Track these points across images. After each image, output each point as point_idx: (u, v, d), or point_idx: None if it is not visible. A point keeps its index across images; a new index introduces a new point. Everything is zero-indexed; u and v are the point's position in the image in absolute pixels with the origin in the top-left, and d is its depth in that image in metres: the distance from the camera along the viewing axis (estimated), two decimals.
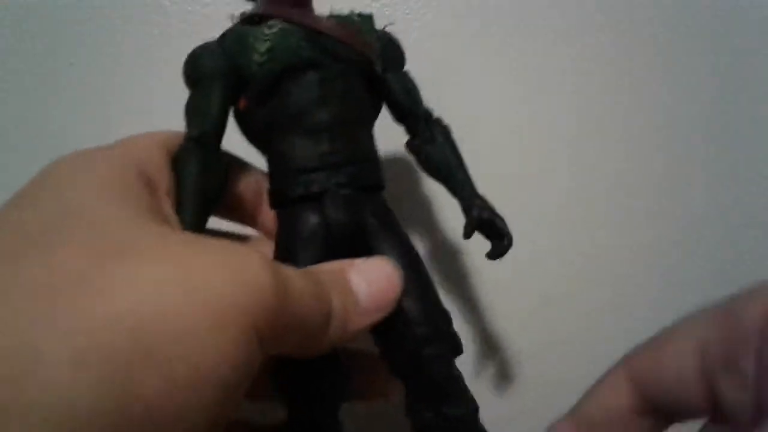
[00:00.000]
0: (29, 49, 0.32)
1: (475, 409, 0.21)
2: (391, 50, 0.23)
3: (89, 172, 0.17)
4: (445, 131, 0.23)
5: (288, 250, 0.21)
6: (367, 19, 0.23)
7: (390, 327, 0.20)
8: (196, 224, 0.20)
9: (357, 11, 0.22)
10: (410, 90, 0.23)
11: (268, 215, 0.23)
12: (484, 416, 0.21)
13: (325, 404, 0.21)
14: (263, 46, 0.21)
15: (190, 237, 0.17)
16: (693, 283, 0.33)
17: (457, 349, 0.21)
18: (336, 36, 0.21)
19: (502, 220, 0.22)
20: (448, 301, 0.27)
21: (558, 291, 0.33)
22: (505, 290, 0.32)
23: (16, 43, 0.31)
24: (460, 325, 0.31)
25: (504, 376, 0.33)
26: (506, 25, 0.33)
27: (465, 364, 0.26)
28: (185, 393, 0.13)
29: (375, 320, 0.19)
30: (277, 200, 0.22)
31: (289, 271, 0.17)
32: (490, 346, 0.32)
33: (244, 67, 0.21)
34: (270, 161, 0.22)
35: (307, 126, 0.21)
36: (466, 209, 0.22)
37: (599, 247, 0.33)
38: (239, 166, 0.24)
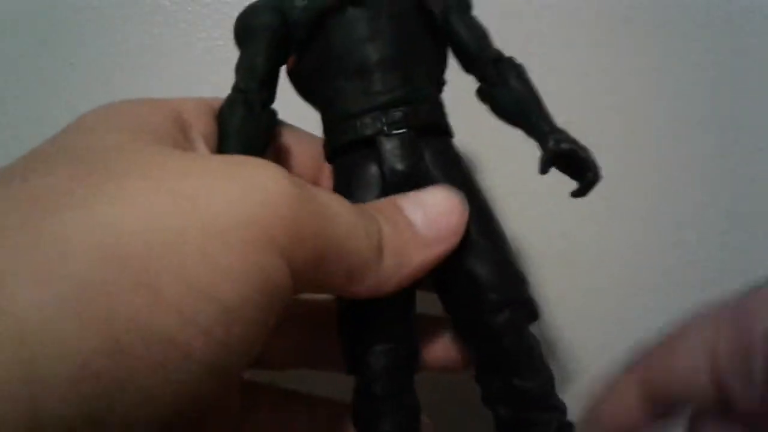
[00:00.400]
0: (29, 49, 0.32)
1: (550, 381, 0.19)
2: None
3: (115, 115, 0.16)
4: (518, 70, 0.21)
5: None
6: None
7: (458, 290, 0.19)
8: None
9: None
10: (476, 33, 0.21)
11: (329, 183, 0.21)
12: None
13: (400, 372, 0.19)
14: None
15: (200, 155, 0.15)
16: (692, 284, 0.33)
17: (533, 315, 0.19)
18: None
19: (585, 150, 0.20)
20: None
21: (554, 293, 0.33)
22: None
23: (16, 43, 0.31)
24: None
25: None
26: (506, 24, 0.33)
27: None
28: (177, 314, 0.12)
29: (439, 253, 0.17)
30: (330, 151, 0.21)
31: (319, 189, 0.15)
32: None
33: (288, 15, 0.20)
34: (322, 112, 0.21)
35: (355, 66, 0.20)
36: (542, 141, 0.20)
37: (597, 247, 0.33)
38: (297, 133, 0.22)
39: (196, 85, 0.31)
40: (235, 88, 0.20)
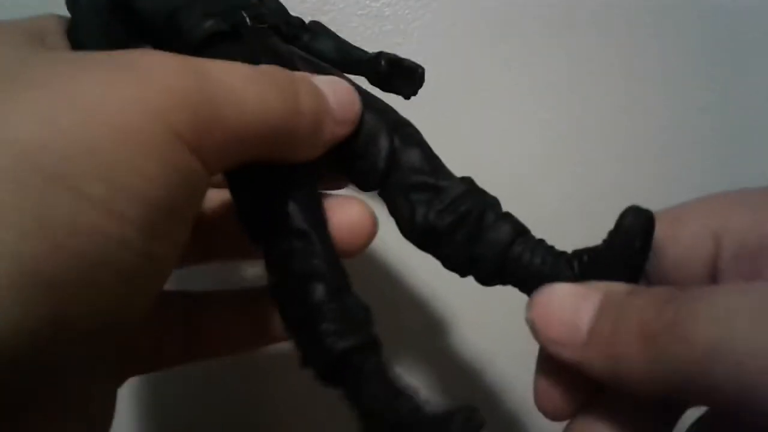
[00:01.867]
0: None
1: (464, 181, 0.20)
2: None
3: None
4: (318, 25, 0.22)
5: None
6: None
7: (354, 149, 0.19)
8: None
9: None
10: None
11: None
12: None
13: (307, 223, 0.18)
14: None
15: (85, 54, 0.15)
16: None
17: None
18: None
19: (406, 59, 0.21)
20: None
21: None
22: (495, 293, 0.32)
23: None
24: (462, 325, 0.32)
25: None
26: (506, 24, 0.33)
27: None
28: (106, 210, 0.12)
29: (344, 133, 0.18)
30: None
31: (213, 63, 0.15)
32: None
33: None
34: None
35: None
36: (374, 64, 0.21)
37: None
38: None
39: None
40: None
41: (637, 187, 0.33)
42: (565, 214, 0.32)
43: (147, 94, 0.13)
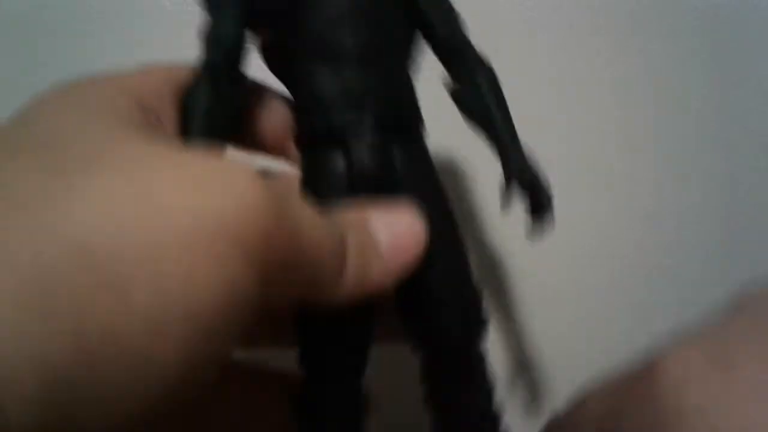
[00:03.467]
0: (29, 49, 0.32)
1: (489, 395, 0.20)
2: None
3: (77, 94, 0.15)
4: (486, 71, 0.20)
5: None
6: None
7: (410, 296, 0.18)
8: None
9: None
10: (446, 15, 0.20)
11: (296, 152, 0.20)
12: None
13: (353, 349, 0.19)
14: None
15: (171, 147, 0.14)
16: (692, 285, 0.33)
17: (483, 334, 0.19)
18: None
19: (545, 187, 0.20)
20: None
21: (555, 293, 0.33)
22: (498, 290, 0.32)
23: (16, 43, 0.31)
24: None
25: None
26: (506, 24, 0.33)
27: None
28: (144, 321, 0.11)
29: (396, 276, 0.17)
30: (298, 140, 0.20)
31: (291, 194, 0.15)
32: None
33: None
34: (293, 93, 0.20)
35: (328, 51, 0.18)
36: (504, 162, 0.19)
37: (595, 247, 0.33)
38: (267, 94, 0.21)
39: None
40: (201, 63, 0.19)
41: (635, 186, 0.33)
42: (560, 214, 0.32)
43: (226, 210, 0.12)
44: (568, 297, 0.33)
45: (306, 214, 0.15)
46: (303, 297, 0.16)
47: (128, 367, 0.11)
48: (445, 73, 0.20)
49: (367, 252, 0.16)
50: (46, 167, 0.12)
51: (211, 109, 0.18)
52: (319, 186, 0.18)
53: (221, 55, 0.18)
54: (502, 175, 0.19)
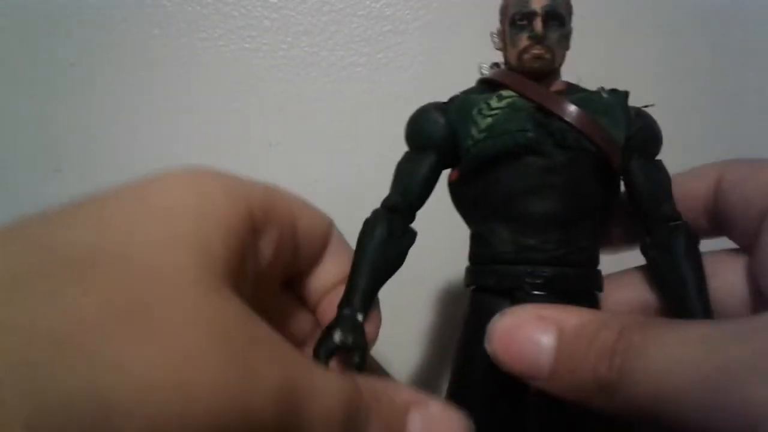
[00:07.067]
0: (29, 49, 0.32)
1: None
2: (643, 135, 0.20)
3: (190, 205, 0.15)
4: (689, 242, 0.19)
5: (468, 341, 0.20)
6: (620, 97, 0.20)
7: None
8: (364, 292, 0.19)
9: (607, 88, 0.20)
10: (656, 186, 0.20)
11: (333, 259, 0.20)
12: None
13: None
14: (484, 122, 0.19)
15: (228, 318, 0.14)
16: None
17: None
18: (573, 124, 0.18)
19: None
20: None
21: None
22: None
23: (16, 43, 0.31)
24: None
25: None
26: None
27: None
28: None
29: None
30: (469, 279, 0.20)
31: (325, 393, 0.14)
32: None
33: (461, 138, 0.19)
34: (471, 239, 0.21)
35: (514, 215, 0.19)
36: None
37: None
38: (304, 207, 0.20)
39: (196, 85, 0.31)
40: (385, 204, 0.20)
41: None
42: None
43: (252, 394, 0.13)
44: None
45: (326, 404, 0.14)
46: None
47: None
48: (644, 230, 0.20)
49: None
50: (110, 312, 0.12)
51: (382, 250, 0.19)
52: (482, 325, 0.18)
53: (406, 203, 0.20)
54: None
